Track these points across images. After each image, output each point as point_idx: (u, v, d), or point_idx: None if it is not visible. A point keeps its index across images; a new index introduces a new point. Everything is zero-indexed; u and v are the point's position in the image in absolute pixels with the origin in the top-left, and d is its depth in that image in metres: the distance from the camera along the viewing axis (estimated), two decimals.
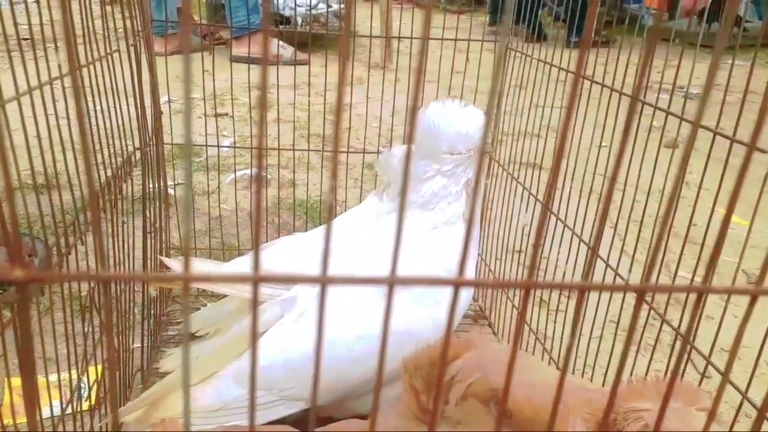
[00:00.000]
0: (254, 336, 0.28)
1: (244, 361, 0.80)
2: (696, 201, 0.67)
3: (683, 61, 0.71)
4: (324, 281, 0.27)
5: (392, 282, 0.27)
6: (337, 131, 0.27)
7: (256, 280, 0.28)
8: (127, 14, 0.82)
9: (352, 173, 1.55)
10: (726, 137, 0.61)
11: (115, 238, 0.79)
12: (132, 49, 0.79)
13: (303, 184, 1.59)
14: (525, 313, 0.27)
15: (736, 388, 0.61)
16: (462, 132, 0.84)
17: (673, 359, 0.74)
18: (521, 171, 1.04)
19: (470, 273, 0.87)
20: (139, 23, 0.86)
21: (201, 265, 0.92)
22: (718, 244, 0.35)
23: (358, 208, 1.00)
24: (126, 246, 0.84)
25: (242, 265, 0.90)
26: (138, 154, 0.84)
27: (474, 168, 0.89)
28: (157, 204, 0.99)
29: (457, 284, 0.28)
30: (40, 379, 0.88)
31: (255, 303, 0.30)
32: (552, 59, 0.93)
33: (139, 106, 0.84)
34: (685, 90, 0.69)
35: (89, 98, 0.69)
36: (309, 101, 1.18)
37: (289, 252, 0.91)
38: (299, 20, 2.66)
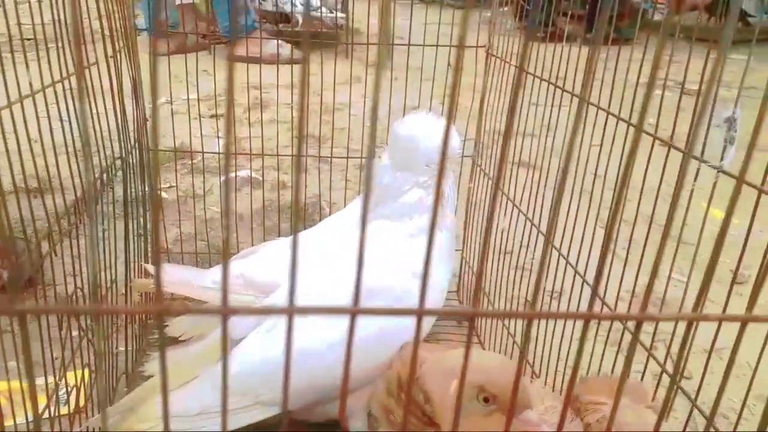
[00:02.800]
0: (225, 369, 0.29)
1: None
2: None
3: (681, 56, 0.69)
4: (290, 312, 0.29)
5: (354, 312, 0.29)
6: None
7: (225, 313, 0.29)
8: (113, 20, 0.83)
9: (344, 174, 1.55)
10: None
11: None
12: (111, 60, 0.80)
13: (290, 185, 1.60)
14: (471, 341, 0.28)
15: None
16: (439, 144, 0.86)
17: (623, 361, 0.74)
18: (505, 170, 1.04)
19: (438, 283, 0.88)
20: (121, 30, 0.87)
21: (180, 273, 0.93)
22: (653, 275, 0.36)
23: (342, 213, 1.01)
24: (108, 251, 0.86)
25: (215, 273, 0.91)
26: (119, 162, 0.86)
27: (451, 179, 0.91)
28: (143, 209, 1.00)
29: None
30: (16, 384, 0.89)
31: (225, 335, 0.31)
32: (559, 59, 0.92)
33: (120, 114, 0.85)
34: (681, 85, 0.68)
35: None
36: (293, 105, 1.19)
37: (272, 260, 0.93)
38: (299, 19, 2.67)
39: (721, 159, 0.52)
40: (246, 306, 0.50)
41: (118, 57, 0.83)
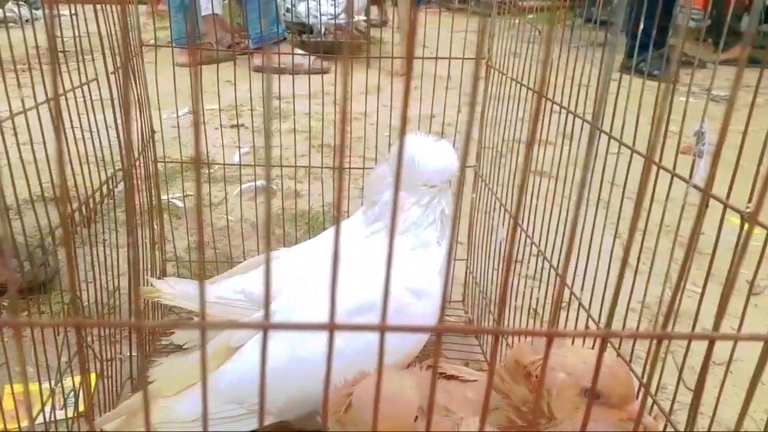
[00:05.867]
0: (204, 381, 0.31)
1: (219, 374, 0.83)
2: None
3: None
4: (266, 327, 0.30)
5: (332, 328, 0.30)
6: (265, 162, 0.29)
7: (203, 327, 0.30)
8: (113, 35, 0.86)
9: (358, 183, 1.57)
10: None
11: (95, 254, 0.82)
12: (113, 76, 0.82)
13: (305, 194, 1.61)
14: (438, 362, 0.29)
15: None
16: (438, 166, 0.89)
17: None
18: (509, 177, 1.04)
19: (434, 298, 0.89)
20: (128, 45, 0.90)
21: (185, 287, 0.96)
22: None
23: (351, 220, 1.02)
24: (111, 261, 0.88)
25: (223, 288, 0.94)
26: (121, 175, 0.88)
27: (448, 197, 0.91)
28: (150, 219, 1.03)
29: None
30: (31, 387, 0.92)
31: (203, 348, 0.32)
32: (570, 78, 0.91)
33: (123, 127, 0.88)
34: (707, 91, 0.66)
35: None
36: (295, 113, 1.20)
37: (277, 273, 0.94)
38: (322, 29, 2.70)
39: (690, 174, 0.51)
40: (223, 321, 0.51)
41: (119, 73, 0.86)
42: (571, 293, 0.81)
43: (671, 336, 0.37)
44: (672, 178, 0.56)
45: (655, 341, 0.40)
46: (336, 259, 0.30)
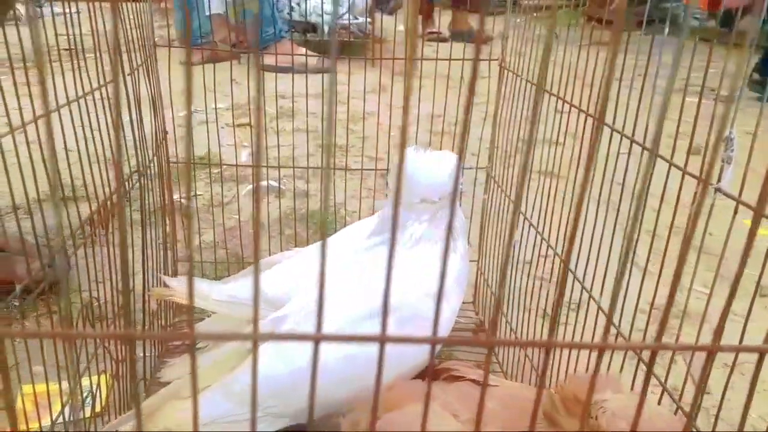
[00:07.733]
0: (254, 393, 0.31)
1: (234, 378, 0.83)
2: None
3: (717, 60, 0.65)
4: (317, 339, 0.30)
5: (383, 340, 0.30)
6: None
7: (256, 339, 0.30)
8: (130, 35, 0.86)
9: (366, 183, 1.57)
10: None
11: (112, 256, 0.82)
12: (129, 78, 0.82)
13: (315, 194, 1.61)
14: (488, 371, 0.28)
15: None
16: (432, 181, 0.86)
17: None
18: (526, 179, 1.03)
19: (450, 305, 0.89)
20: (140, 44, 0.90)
21: (196, 285, 0.95)
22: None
23: (354, 226, 1.02)
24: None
25: (238, 287, 0.94)
26: (136, 176, 0.88)
27: (456, 210, 0.91)
28: (162, 219, 1.03)
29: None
30: (50, 387, 0.92)
31: (255, 361, 0.32)
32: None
33: (138, 127, 0.88)
34: (715, 92, 0.65)
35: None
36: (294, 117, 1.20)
37: (285, 275, 0.95)
38: (326, 28, 2.70)
39: (719, 179, 0.51)
40: (275, 332, 0.51)
41: (136, 74, 0.86)
42: (590, 296, 0.81)
43: (719, 349, 0.37)
44: (683, 178, 0.56)
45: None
46: (390, 275, 0.29)
